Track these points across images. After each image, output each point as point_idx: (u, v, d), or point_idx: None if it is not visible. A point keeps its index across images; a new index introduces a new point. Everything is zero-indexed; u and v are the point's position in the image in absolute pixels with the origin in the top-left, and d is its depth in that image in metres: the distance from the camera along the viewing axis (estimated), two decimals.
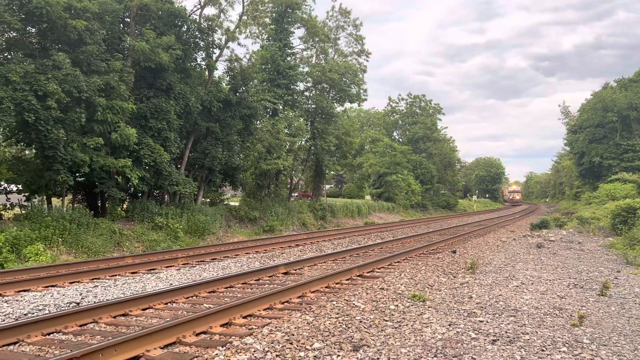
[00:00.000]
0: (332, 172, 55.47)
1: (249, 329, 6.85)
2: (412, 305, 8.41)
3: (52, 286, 10.13)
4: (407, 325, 7.18)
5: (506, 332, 6.79)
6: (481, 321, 7.39)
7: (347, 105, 42.76)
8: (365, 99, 38.61)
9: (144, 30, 19.93)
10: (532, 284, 10.76)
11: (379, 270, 12.35)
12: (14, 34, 17.00)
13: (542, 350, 6.04)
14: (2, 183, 19.46)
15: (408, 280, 10.74)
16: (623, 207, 22.88)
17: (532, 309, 8.34)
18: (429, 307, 8.38)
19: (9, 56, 17.77)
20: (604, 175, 49.94)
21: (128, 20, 21.39)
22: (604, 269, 13.32)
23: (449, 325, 7.16)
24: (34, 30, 18.04)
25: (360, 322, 7.29)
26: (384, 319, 7.49)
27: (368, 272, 11.94)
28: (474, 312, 7.96)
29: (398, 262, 13.88)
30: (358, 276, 11.44)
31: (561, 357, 5.78)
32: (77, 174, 18.82)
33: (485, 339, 6.47)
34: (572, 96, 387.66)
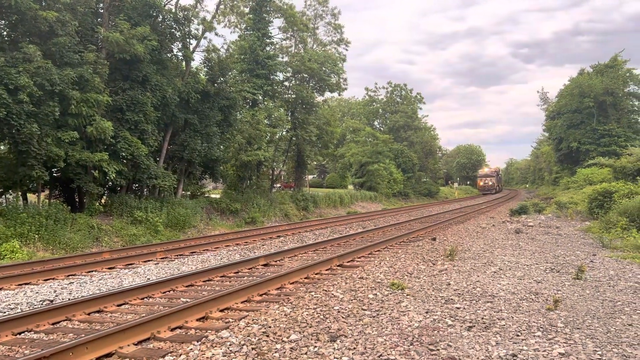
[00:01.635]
0: (314, 163, 55.42)
1: (226, 323, 6.80)
2: (390, 294, 8.43)
3: (25, 284, 9.94)
4: (385, 314, 7.19)
5: (482, 319, 6.84)
6: (458, 308, 7.44)
7: (328, 95, 42.70)
8: (345, 89, 38.53)
9: (118, 21, 19.53)
10: (510, 269, 10.88)
11: (359, 260, 12.37)
12: None
13: (517, 336, 6.10)
14: None
15: (387, 269, 10.77)
16: (599, 191, 23.25)
17: (509, 294, 8.42)
18: (407, 295, 8.41)
19: None
20: (582, 160, 50.73)
21: (102, 11, 20.94)
22: (581, 252, 13.53)
23: (426, 312, 7.19)
24: (2, 22, 17.57)
25: (339, 312, 7.28)
26: (362, 309, 7.49)
27: (348, 262, 11.95)
28: (452, 299, 8.01)
29: (378, 250, 13.92)
30: (338, 266, 11.44)
31: (535, 342, 5.84)
32: (52, 169, 18.46)
33: (461, 326, 6.50)
34: (551, 83, 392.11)
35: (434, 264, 11.46)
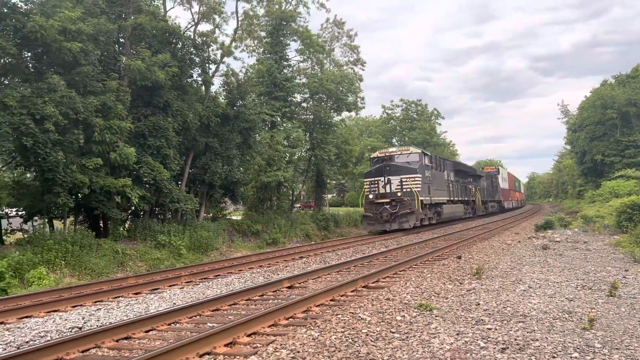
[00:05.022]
0: (334, 182, 55.37)
1: (254, 348, 6.74)
2: (419, 315, 8.29)
3: (54, 311, 10.03)
4: (414, 336, 7.06)
5: (515, 340, 6.67)
6: (489, 329, 7.27)
7: (345, 114, 42.85)
8: (363, 107, 38.70)
9: (139, 49, 19.97)
10: (540, 287, 10.63)
11: (384, 280, 12.22)
12: (10, 59, 17.03)
13: (554, 357, 5.92)
14: (3, 208, 19.46)
15: (414, 289, 10.61)
16: (628, 204, 22.73)
17: (541, 313, 8.21)
18: (436, 316, 8.25)
19: (5, 81, 17.82)
20: (607, 172, 49.80)
21: (123, 40, 21.45)
22: (612, 268, 13.17)
23: (457, 334, 7.04)
24: (29, 54, 18.09)
25: (367, 335, 7.17)
26: (390, 331, 7.37)
27: (373, 283, 11.81)
28: (482, 320, 7.84)
29: (403, 270, 13.74)
30: (363, 287, 11.31)
31: None
32: (77, 196, 18.76)
33: (494, 348, 6.34)
34: (570, 95, 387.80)
35: (461, 283, 11.26)
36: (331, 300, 9.93)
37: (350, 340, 6.93)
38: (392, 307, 8.99)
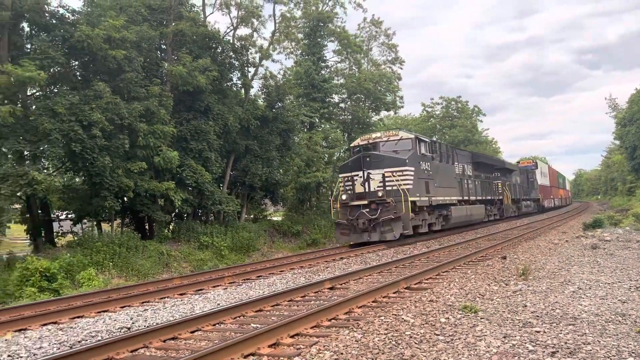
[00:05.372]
0: None
1: (297, 349, 6.76)
2: (463, 317, 8.13)
3: (104, 311, 10.36)
4: (459, 339, 6.93)
5: (566, 343, 6.45)
6: (538, 332, 7.05)
7: (384, 113, 42.60)
8: (402, 106, 38.41)
9: (180, 54, 20.45)
10: (590, 288, 10.25)
11: (426, 282, 12.06)
12: (59, 69, 17.74)
13: None
14: (54, 211, 20.28)
15: (458, 291, 10.42)
16: None
17: (592, 316, 7.91)
18: (481, 318, 8.07)
19: (55, 89, 18.56)
20: None
21: (164, 46, 22.00)
22: None
23: (504, 337, 6.86)
24: (76, 63, 18.79)
25: (411, 337, 7.09)
26: (435, 333, 7.25)
27: (416, 284, 11.67)
28: (530, 322, 7.62)
29: (446, 271, 13.52)
30: (405, 288, 11.19)
31: None
32: (123, 199, 19.36)
33: (543, 351, 6.15)
34: (619, 88, 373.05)
35: (506, 285, 10.98)
36: (373, 301, 9.87)
37: (393, 342, 6.87)
38: (436, 308, 8.86)
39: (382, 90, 35.84)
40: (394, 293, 10.69)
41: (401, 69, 40.07)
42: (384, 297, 10.23)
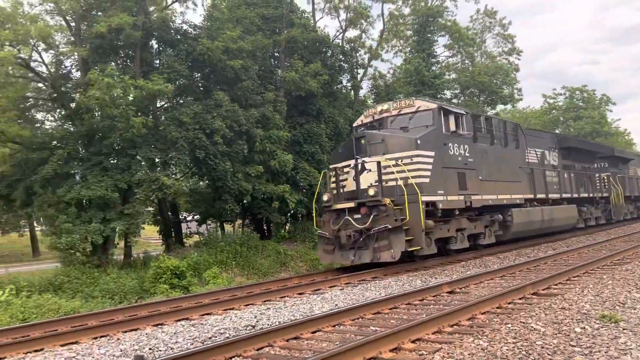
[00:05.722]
0: None
1: (420, 355, 6.59)
2: (602, 327, 7.41)
3: (230, 309, 10.91)
4: (599, 351, 6.31)
5: None
6: None
7: (500, 107, 40.56)
8: (520, 99, 36.37)
9: (293, 61, 21.08)
10: None
11: (556, 287, 11.20)
12: (184, 81, 19.12)
13: None
14: (182, 213, 21.92)
15: (593, 298, 9.54)
16: None
17: None
18: (623, 329, 7.30)
19: (180, 100, 20.05)
20: None
21: (277, 54, 22.82)
22: None
23: None
24: (198, 74, 20.13)
25: (542, 347, 6.59)
26: (570, 344, 6.68)
27: (544, 290, 10.89)
28: None
29: (577, 276, 12.47)
30: (532, 294, 10.48)
31: None
32: (242, 202, 20.38)
33: None
34: None
35: None
36: (497, 307, 9.35)
37: (524, 352, 6.43)
38: (569, 317, 8.17)
39: (498, 84, 34.11)
40: (519, 299, 10.06)
41: (519, 59, 37.92)
42: (508, 303, 9.66)
